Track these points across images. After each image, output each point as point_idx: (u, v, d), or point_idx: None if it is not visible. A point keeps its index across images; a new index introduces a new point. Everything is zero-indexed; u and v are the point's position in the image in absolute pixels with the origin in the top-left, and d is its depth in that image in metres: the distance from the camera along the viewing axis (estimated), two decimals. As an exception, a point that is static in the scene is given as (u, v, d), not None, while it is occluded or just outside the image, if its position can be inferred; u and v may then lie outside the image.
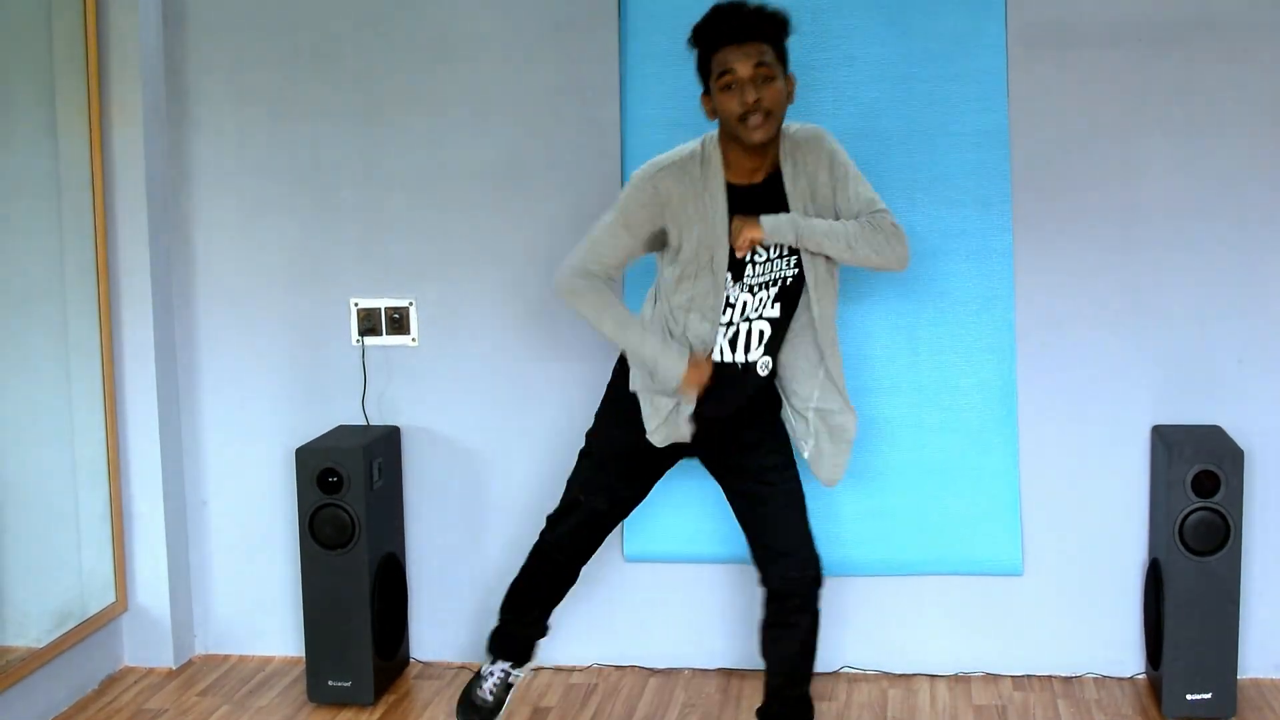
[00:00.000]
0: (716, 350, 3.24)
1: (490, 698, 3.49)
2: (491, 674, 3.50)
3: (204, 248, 4.06)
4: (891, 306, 3.78)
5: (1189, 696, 3.58)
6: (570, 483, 3.44)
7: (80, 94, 3.82)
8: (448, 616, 4.06)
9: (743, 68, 3.06)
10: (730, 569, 3.94)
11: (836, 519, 3.81)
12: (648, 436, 3.27)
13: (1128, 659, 3.85)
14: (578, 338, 3.89)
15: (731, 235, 3.14)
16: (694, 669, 3.99)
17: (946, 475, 3.82)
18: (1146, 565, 3.80)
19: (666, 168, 3.19)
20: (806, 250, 3.17)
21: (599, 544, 3.46)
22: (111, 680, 3.99)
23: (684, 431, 3.26)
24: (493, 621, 3.97)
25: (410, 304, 3.98)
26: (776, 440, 3.36)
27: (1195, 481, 3.52)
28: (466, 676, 3.96)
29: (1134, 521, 3.80)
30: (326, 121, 3.96)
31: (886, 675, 3.93)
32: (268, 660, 4.12)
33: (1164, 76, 3.69)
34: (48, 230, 3.83)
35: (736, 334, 3.24)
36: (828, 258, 3.20)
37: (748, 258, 3.17)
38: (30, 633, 3.71)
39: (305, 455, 3.74)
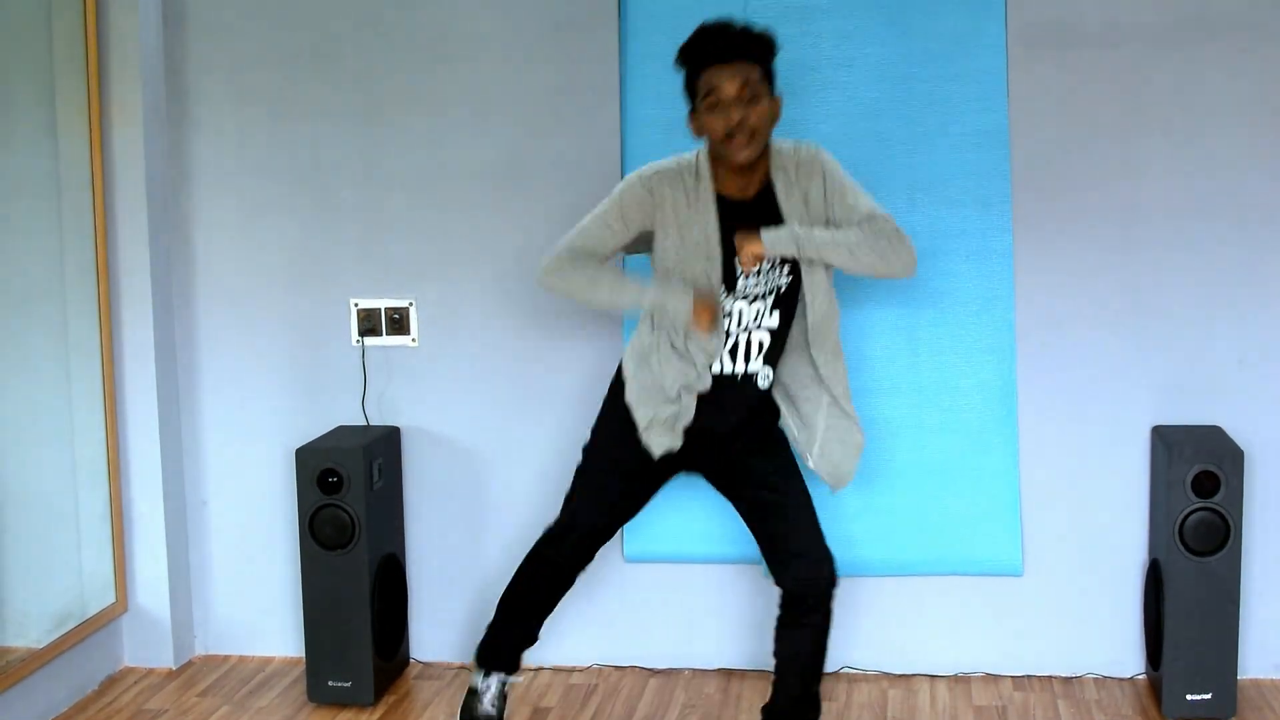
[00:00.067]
0: (717, 362, 3.24)
1: (493, 710, 3.50)
2: (489, 686, 3.51)
3: (204, 248, 4.05)
4: (891, 307, 3.78)
5: (1189, 697, 3.58)
6: (567, 500, 3.44)
7: (80, 94, 3.82)
8: (448, 617, 4.06)
9: (728, 88, 3.08)
10: (730, 569, 3.94)
11: (837, 519, 3.80)
12: (642, 441, 3.26)
13: (1128, 659, 3.85)
14: (578, 338, 3.90)
15: (737, 253, 3.15)
16: (694, 669, 4.00)
17: (946, 475, 3.82)
18: (1146, 565, 3.80)
19: (662, 172, 3.21)
20: (808, 260, 3.17)
21: (594, 555, 3.46)
22: (111, 681, 3.99)
23: (676, 441, 3.25)
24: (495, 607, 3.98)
25: (410, 304, 3.98)
26: (777, 445, 3.36)
27: (1195, 482, 3.52)
28: (467, 677, 3.96)
29: (1134, 522, 3.80)
30: (327, 122, 3.96)
31: (886, 675, 3.93)
32: (268, 660, 4.12)
33: (1164, 76, 3.69)
34: (48, 230, 3.83)
35: (735, 345, 3.24)
36: (826, 266, 3.20)
37: (738, 270, 3.18)
38: (30, 633, 3.71)
39: (305, 455, 3.74)
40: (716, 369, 3.24)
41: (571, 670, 4.00)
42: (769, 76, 3.16)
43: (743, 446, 3.33)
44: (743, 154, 3.10)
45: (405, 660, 4.05)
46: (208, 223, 4.05)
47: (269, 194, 4.01)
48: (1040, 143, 3.74)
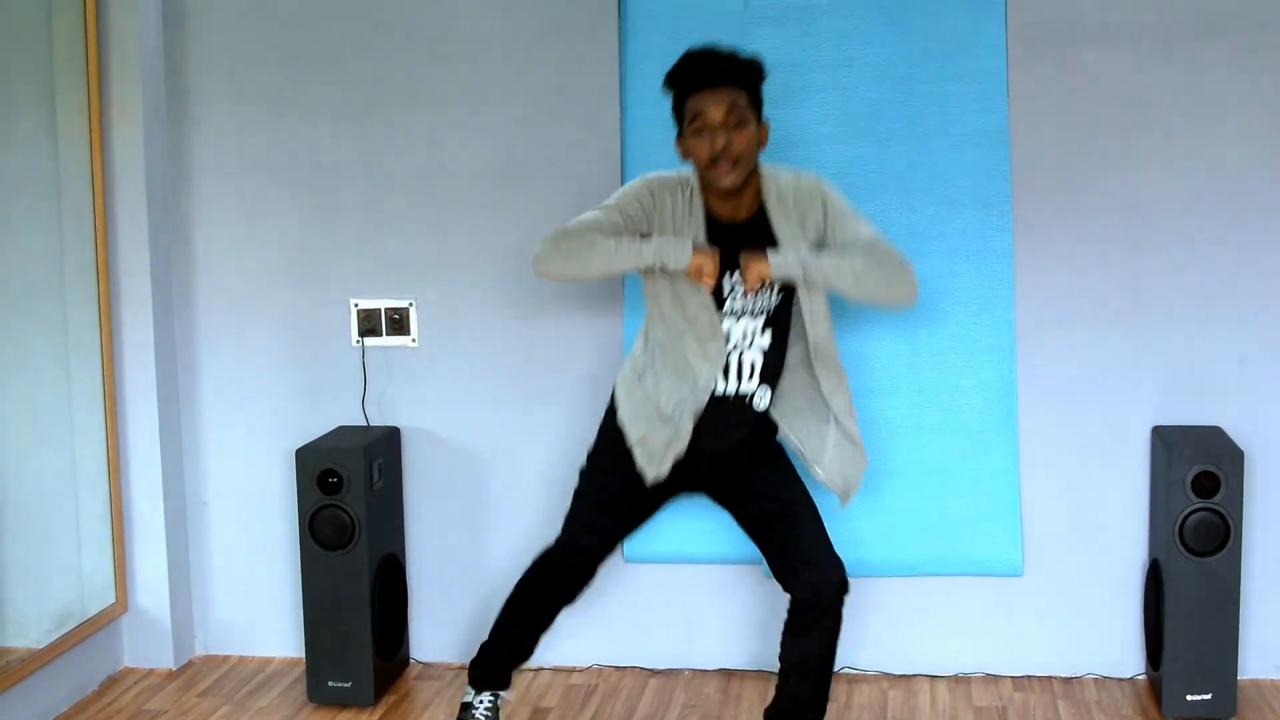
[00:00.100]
0: (710, 381, 3.23)
1: None
2: (481, 701, 3.50)
3: (204, 248, 4.05)
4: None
5: (1189, 697, 3.58)
6: (566, 522, 3.42)
7: (80, 94, 3.82)
8: (448, 617, 4.06)
9: (714, 113, 3.09)
10: (730, 569, 3.94)
11: (838, 520, 3.79)
12: (637, 464, 3.27)
13: (1128, 659, 3.86)
14: (578, 338, 3.90)
15: (741, 270, 3.14)
16: (694, 669, 3.99)
17: (946, 476, 3.82)
18: (1146, 566, 3.80)
19: (665, 180, 3.23)
20: (812, 284, 3.17)
21: (594, 575, 3.45)
22: (111, 681, 3.99)
23: (662, 468, 3.25)
24: (492, 621, 3.98)
25: (410, 305, 3.98)
26: (776, 456, 3.36)
27: (1195, 482, 3.52)
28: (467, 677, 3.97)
29: (1134, 522, 3.80)
30: (327, 121, 3.96)
31: (887, 676, 3.93)
32: (268, 661, 4.12)
33: (1164, 76, 3.69)
34: (48, 230, 3.83)
35: (727, 365, 3.24)
36: (824, 295, 3.21)
37: (726, 288, 3.18)
38: (30, 633, 3.71)
39: (305, 456, 3.74)
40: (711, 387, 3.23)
41: (571, 670, 4.00)
42: (756, 102, 3.16)
43: (743, 462, 3.33)
44: (727, 179, 3.10)
45: (405, 660, 4.05)
46: (208, 222, 4.05)
47: (269, 194, 4.01)
48: (1040, 143, 3.75)
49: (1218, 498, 3.51)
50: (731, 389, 3.24)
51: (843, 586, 3.25)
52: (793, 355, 3.29)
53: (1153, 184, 3.72)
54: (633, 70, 3.85)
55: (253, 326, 4.05)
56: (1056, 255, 3.77)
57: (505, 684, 3.53)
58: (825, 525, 3.32)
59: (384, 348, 4.01)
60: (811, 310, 3.21)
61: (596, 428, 3.42)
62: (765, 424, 3.32)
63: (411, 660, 4.08)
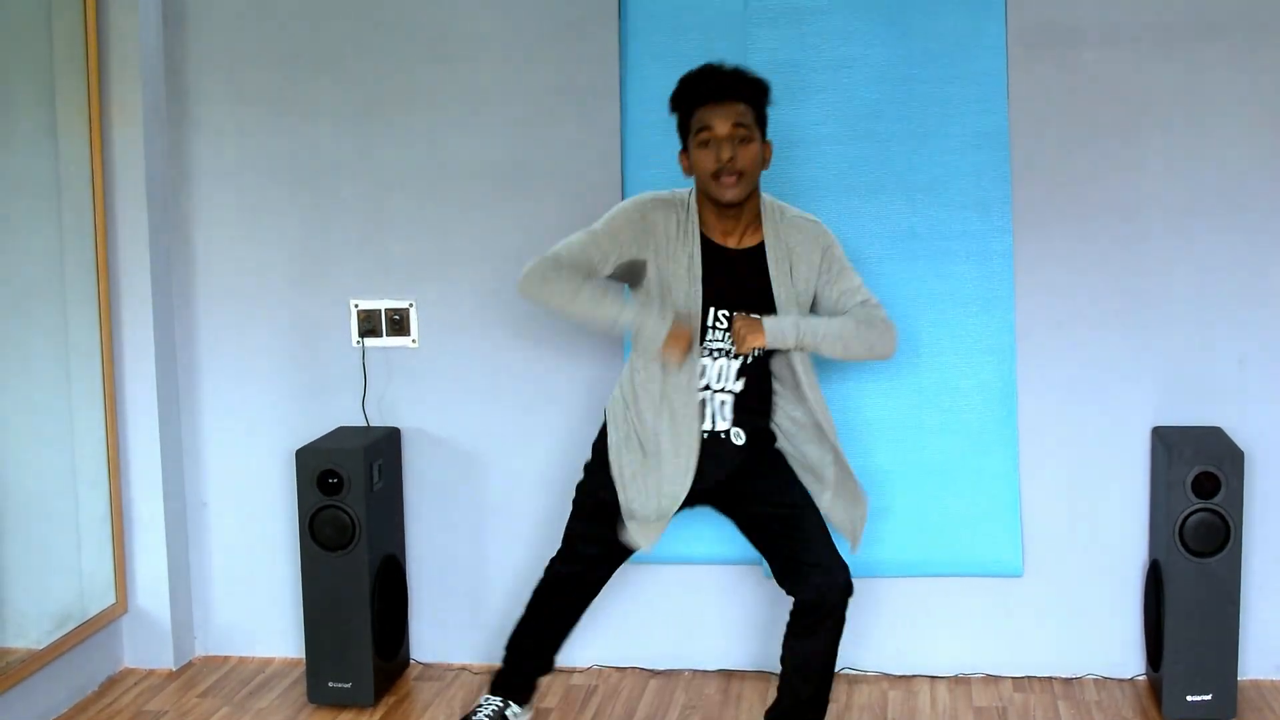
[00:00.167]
0: (688, 412, 3.23)
1: None
2: (490, 701, 3.50)
3: (204, 248, 4.05)
4: (892, 308, 3.75)
5: (1189, 698, 3.58)
6: (565, 534, 3.45)
7: (80, 94, 3.82)
8: (448, 618, 4.06)
9: (721, 126, 3.11)
10: (730, 570, 3.94)
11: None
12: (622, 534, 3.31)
13: (1128, 660, 3.86)
14: (579, 338, 3.89)
15: (733, 334, 3.17)
16: (694, 670, 3.99)
17: (947, 476, 3.82)
18: (1147, 566, 3.80)
19: (658, 199, 3.24)
20: (799, 349, 3.22)
21: (604, 583, 3.46)
22: (111, 682, 3.98)
23: (647, 539, 3.27)
24: (492, 621, 3.99)
25: (410, 305, 3.98)
26: (776, 464, 3.36)
27: (1195, 483, 3.52)
28: (467, 678, 3.97)
29: (1134, 523, 3.80)
30: (327, 121, 3.96)
31: (887, 676, 3.93)
32: (268, 661, 4.12)
33: (1164, 77, 3.70)
34: (48, 230, 3.83)
35: (701, 402, 3.24)
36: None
37: (707, 321, 3.19)
38: (30, 634, 3.71)
39: (305, 456, 3.74)
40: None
41: (571, 671, 4.00)
42: (761, 120, 3.18)
43: (741, 473, 3.33)
44: (730, 193, 3.12)
45: (405, 661, 4.05)
46: (208, 222, 4.05)
47: (269, 194, 4.01)
48: (1040, 144, 3.75)
49: (1218, 498, 3.51)
50: (707, 427, 3.25)
51: (848, 588, 3.26)
52: (783, 392, 3.31)
53: (1153, 184, 3.72)
54: (633, 70, 3.84)
55: (253, 327, 4.05)
56: (1056, 256, 3.77)
57: (522, 694, 3.53)
58: (829, 530, 3.32)
59: (384, 348, 4.01)
60: (800, 357, 3.25)
61: (596, 428, 3.43)
62: (760, 435, 3.32)
63: (411, 661, 4.08)
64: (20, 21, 3.74)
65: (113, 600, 3.97)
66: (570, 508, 3.46)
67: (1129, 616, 3.84)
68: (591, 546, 3.40)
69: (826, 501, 3.33)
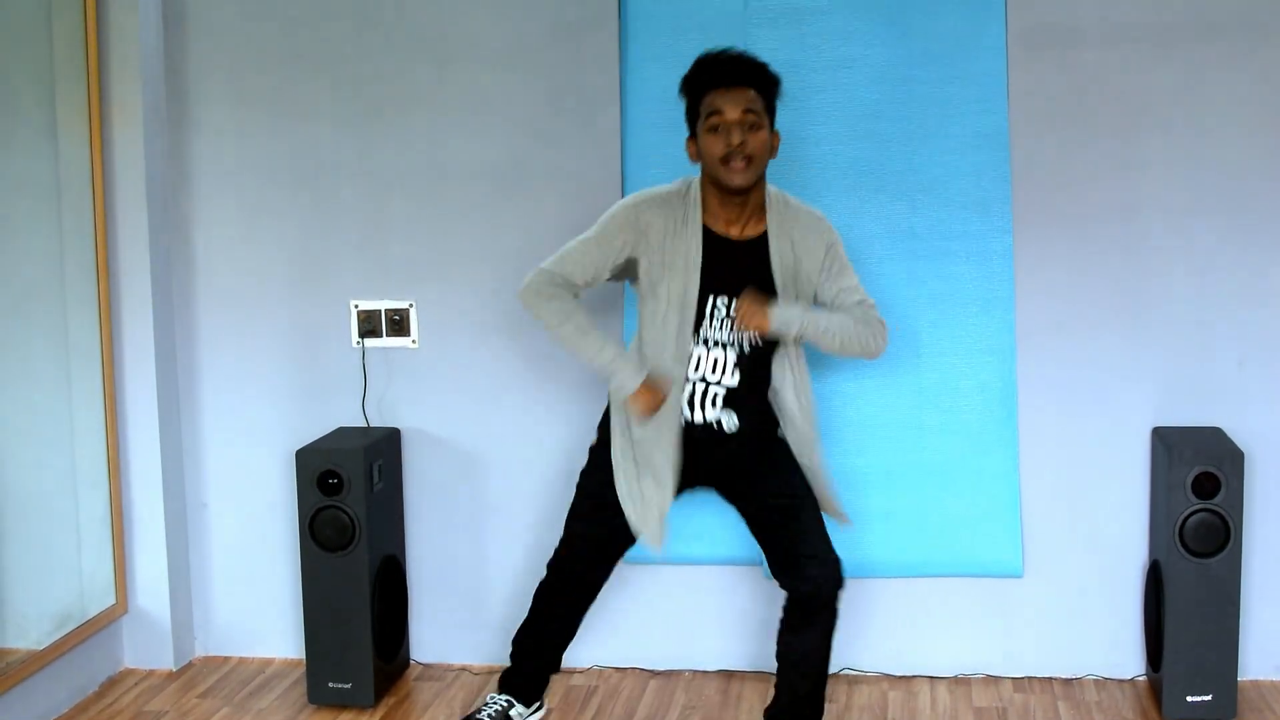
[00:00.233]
0: (678, 409, 3.26)
1: None
2: (494, 701, 3.52)
3: (204, 249, 4.05)
4: (892, 308, 3.77)
5: (1189, 698, 3.58)
6: (566, 533, 3.46)
7: (80, 95, 3.82)
8: (448, 618, 4.06)
9: (731, 111, 3.11)
10: (730, 571, 3.94)
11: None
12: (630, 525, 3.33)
13: (1128, 661, 3.86)
14: (578, 339, 3.89)
15: (738, 309, 3.16)
16: (694, 670, 3.99)
17: (947, 477, 3.82)
18: (1147, 567, 3.80)
19: (653, 198, 3.24)
20: (797, 340, 3.24)
21: (606, 576, 3.48)
22: (111, 682, 3.98)
23: (656, 529, 3.30)
24: (492, 622, 3.99)
25: (410, 306, 3.98)
26: (778, 453, 3.37)
27: (1195, 483, 3.52)
28: (467, 678, 3.97)
29: (1134, 523, 3.80)
30: (327, 123, 3.96)
31: (887, 677, 3.93)
32: (268, 662, 4.12)
33: (1164, 78, 3.69)
34: (48, 231, 3.83)
35: (694, 393, 3.25)
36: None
37: (706, 308, 3.20)
38: (30, 635, 3.71)
39: (305, 457, 3.74)
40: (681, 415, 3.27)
41: (571, 672, 4.00)
42: (771, 109, 3.19)
43: (744, 458, 3.34)
44: (739, 178, 3.11)
45: (405, 662, 4.05)
46: (208, 223, 4.05)
47: (269, 195, 4.01)
48: (1040, 144, 3.75)
49: (1218, 499, 3.51)
50: (699, 418, 3.26)
51: (840, 581, 3.29)
52: (783, 386, 3.33)
53: (1152, 185, 3.72)
54: (633, 72, 3.84)
55: (253, 327, 4.05)
56: (1057, 256, 3.77)
57: (528, 693, 3.55)
58: (825, 524, 3.34)
59: (384, 349, 4.01)
60: (786, 349, 3.28)
61: (595, 429, 3.44)
62: (763, 420, 3.32)
63: (411, 661, 4.08)
64: (20, 22, 3.74)
65: (113, 601, 3.97)
66: (570, 506, 3.47)
67: (1129, 617, 3.84)
68: (591, 544, 3.42)
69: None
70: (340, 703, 3.79)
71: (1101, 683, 3.85)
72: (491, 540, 4.02)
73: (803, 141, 3.75)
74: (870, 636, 3.91)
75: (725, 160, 3.11)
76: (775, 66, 3.23)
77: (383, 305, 3.99)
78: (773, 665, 3.43)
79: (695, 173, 3.29)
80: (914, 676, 3.92)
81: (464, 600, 4.05)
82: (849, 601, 3.85)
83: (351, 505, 3.70)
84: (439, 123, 3.92)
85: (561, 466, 3.85)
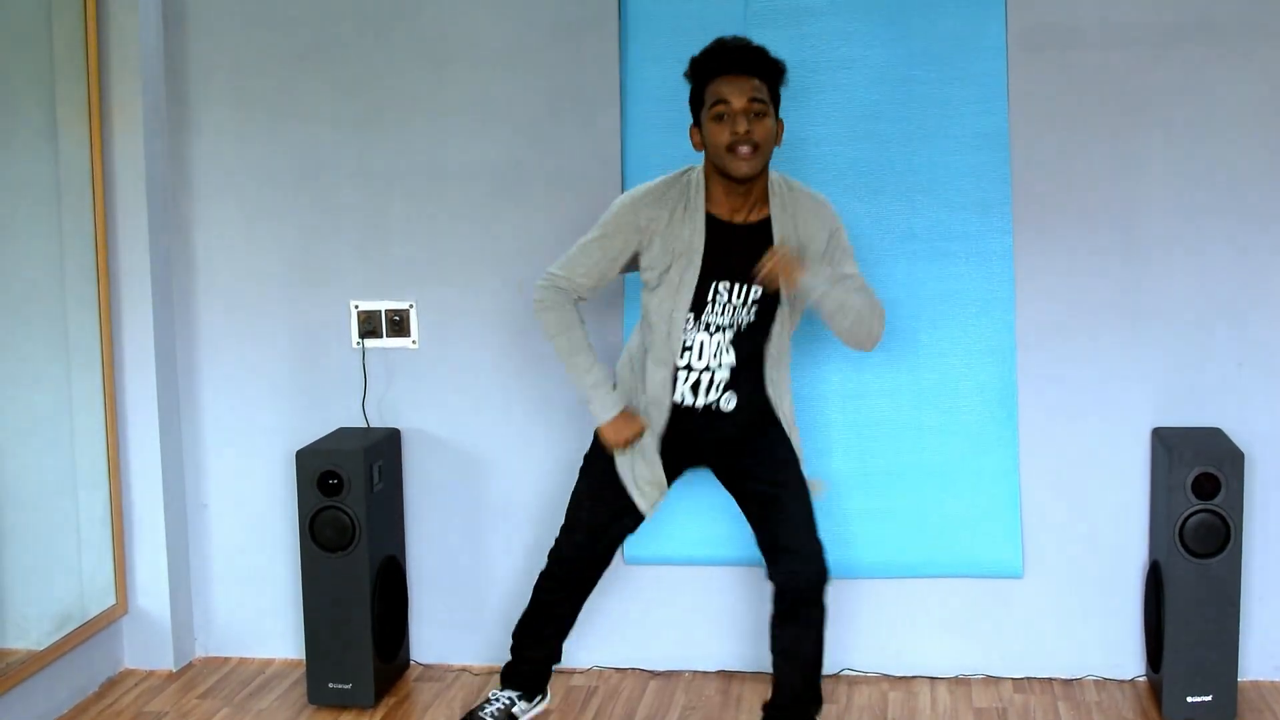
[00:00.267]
0: (679, 395, 3.27)
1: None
2: (497, 699, 3.54)
3: (204, 250, 4.05)
4: (892, 309, 3.77)
5: (1189, 699, 3.58)
6: (573, 498, 3.47)
7: (80, 96, 3.82)
8: (448, 619, 4.06)
9: (737, 99, 3.11)
10: (730, 571, 3.94)
11: (837, 521, 3.81)
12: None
13: (1128, 661, 3.85)
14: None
15: (772, 259, 3.15)
16: (694, 671, 3.99)
17: (946, 477, 3.82)
18: (1147, 568, 3.80)
19: (652, 193, 3.24)
20: (814, 306, 3.21)
21: (610, 556, 3.48)
22: (111, 683, 3.99)
23: (648, 502, 3.35)
24: (492, 622, 3.99)
25: (411, 306, 3.98)
26: (774, 441, 3.38)
27: (1196, 484, 3.52)
28: (467, 679, 3.97)
29: (1134, 524, 3.80)
30: (327, 124, 3.96)
31: (887, 678, 3.93)
32: (268, 663, 4.12)
33: (1164, 79, 3.69)
34: (48, 233, 3.83)
35: (697, 381, 3.26)
36: (800, 314, 3.29)
37: (709, 295, 3.20)
38: (30, 635, 3.71)
39: (305, 458, 3.74)
40: (679, 399, 3.29)
41: (572, 672, 4.00)
42: (776, 97, 3.19)
43: (746, 447, 3.35)
44: (744, 166, 3.11)
45: (405, 662, 4.05)
46: (208, 225, 4.05)
47: (269, 196, 4.01)
48: (1040, 145, 3.74)
49: (1218, 499, 3.51)
50: (700, 402, 3.28)
51: (820, 578, 3.30)
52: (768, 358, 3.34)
53: (1152, 186, 3.72)
54: (633, 73, 3.84)
55: (253, 328, 4.05)
56: (1057, 257, 3.76)
57: (531, 687, 3.57)
58: (814, 517, 3.36)
59: (384, 349, 4.01)
60: (782, 327, 3.28)
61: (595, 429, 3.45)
62: (762, 408, 3.33)
63: (412, 662, 4.08)
64: (20, 22, 3.74)
65: (113, 601, 3.97)
66: (571, 493, 3.50)
67: (1129, 617, 3.84)
68: (593, 531, 3.43)
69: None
70: (340, 703, 3.79)
71: (1101, 683, 3.85)
72: (491, 540, 4.02)
73: (803, 142, 3.75)
74: (870, 637, 3.91)
75: (731, 149, 3.11)
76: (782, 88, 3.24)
77: (383, 306, 3.99)
78: (771, 660, 3.43)
79: (697, 161, 3.28)
80: (914, 677, 3.92)
81: (464, 600, 4.05)
82: (850, 602, 3.87)
83: (352, 506, 3.71)
84: (439, 123, 3.92)
85: (561, 466, 3.85)
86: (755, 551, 3.47)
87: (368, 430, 3.97)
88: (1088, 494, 3.81)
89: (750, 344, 3.29)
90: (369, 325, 3.99)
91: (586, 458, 3.48)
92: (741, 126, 3.09)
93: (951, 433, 3.81)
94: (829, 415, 3.82)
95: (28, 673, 3.59)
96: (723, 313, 3.23)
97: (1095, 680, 3.86)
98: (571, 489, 3.51)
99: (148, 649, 4.05)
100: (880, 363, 3.81)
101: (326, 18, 3.94)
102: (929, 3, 3.74)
